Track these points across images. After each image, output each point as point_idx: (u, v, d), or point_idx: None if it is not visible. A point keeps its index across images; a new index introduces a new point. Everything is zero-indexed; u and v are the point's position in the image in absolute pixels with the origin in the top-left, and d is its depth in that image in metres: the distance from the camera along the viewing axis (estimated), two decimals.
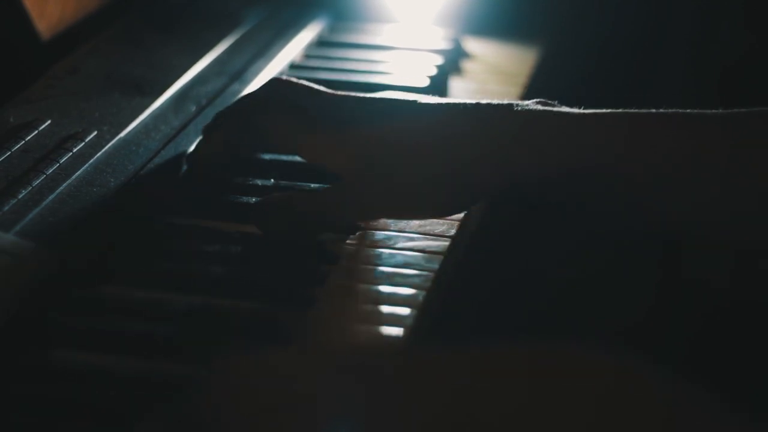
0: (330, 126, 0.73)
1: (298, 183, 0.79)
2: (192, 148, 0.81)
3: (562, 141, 0.68)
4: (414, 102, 0.74)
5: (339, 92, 0.78)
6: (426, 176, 0.70)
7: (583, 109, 0.71)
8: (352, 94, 0.77)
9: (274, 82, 0.79)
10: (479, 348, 0.46)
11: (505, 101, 0.72)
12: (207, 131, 0.79)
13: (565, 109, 0.70)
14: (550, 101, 0.71)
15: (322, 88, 0.78)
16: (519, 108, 0.70)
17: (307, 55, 1.03)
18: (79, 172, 0.76)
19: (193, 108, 0.87)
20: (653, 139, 0.67)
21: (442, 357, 0.46)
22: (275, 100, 0.76)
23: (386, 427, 0.44)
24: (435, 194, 0.70)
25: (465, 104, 0.72)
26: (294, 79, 0.79)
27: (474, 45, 1.09)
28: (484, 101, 0.72)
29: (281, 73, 0.98)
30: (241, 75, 0.94)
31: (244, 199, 0.77)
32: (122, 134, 0.81)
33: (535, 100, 0.71)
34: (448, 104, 0.73)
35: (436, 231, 0.75)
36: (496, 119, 0.70)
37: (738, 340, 0.94)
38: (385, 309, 0.67)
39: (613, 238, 0.86)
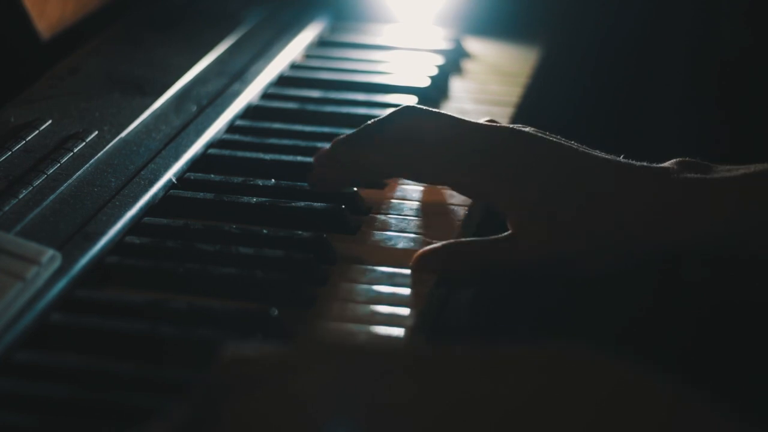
0: (491, 163, 0.71)
1: (298, 183, 0.79)
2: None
3: (719, 211, 0.69)
4: (566, 145, 0.72)
5: (482, 122, 0.75)
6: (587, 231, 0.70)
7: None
8: (497, 124, 0.75)
9: (408, 111, 0.75)
10: (479, 349, 0.46)
11: (658, 166, 0.71)
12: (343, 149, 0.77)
13: (717, 174, 0.70)
14: (692, 160, 0.71)
15: (462, 117, 0.75)
16: (675, 175, 0.70)
17: (308, 55, 1.03)
18: (79, 172, 0.76)
19: (194, 108, 0.87)
20: None
21: (442, 358, 0.46)
22: (415, 134, 0.73)
23: (386, 427, 0.44)
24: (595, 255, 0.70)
25: (618, 162, 0.71)
26: (432, 110, 0.75)
27: (474, 45, 1.09)
28: (637, 163, 0.71)
29: (282, 72, 0.98)
30: (242, 75, 0.94)
31: (244, 199, 0.77)
32: (123, 134, 0.82)
33: (678, 160, 0.71)
34: (606, 159, 0.71)
35: (437, 233, 0.75)
36: (654, 186, 0.70)
37: (737, 340, 0.94)
38: (385, 309, 0.67)
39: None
